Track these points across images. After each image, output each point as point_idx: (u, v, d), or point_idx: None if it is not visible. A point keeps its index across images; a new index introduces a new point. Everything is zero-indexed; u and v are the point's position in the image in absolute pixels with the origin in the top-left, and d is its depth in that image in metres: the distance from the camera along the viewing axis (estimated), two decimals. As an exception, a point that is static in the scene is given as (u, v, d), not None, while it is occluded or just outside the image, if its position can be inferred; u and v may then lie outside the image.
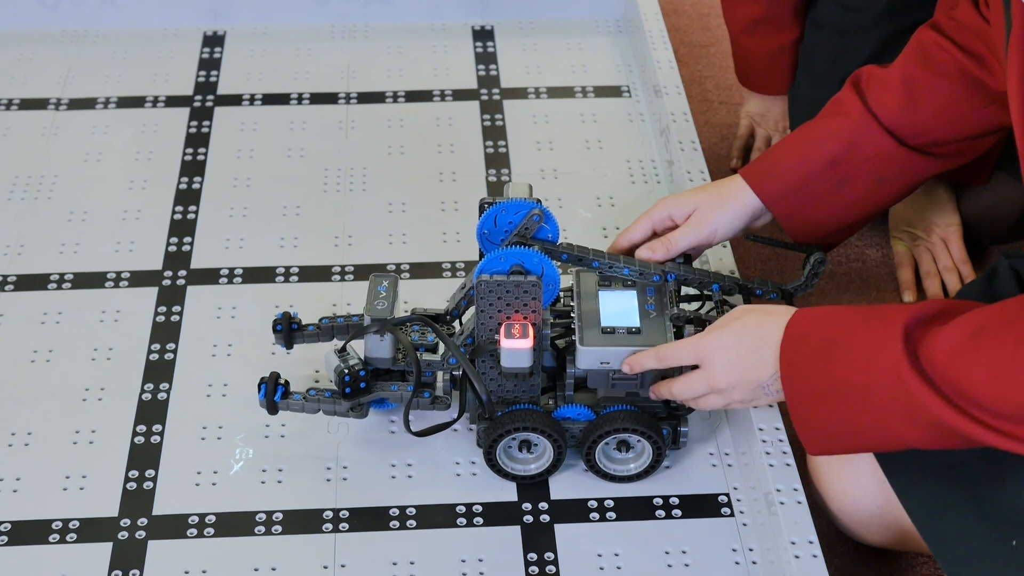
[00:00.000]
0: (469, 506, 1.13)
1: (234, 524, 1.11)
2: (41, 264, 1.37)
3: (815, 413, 1.01)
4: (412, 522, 1.12)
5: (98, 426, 1.20)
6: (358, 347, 1.15)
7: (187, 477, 1.15)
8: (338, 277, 1.36)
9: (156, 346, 1.28)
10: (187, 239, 1.40)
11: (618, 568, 1.09)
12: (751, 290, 1.18)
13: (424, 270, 1.37)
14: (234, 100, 1.61)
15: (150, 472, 1.16)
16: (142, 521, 1.11)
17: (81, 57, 1.67)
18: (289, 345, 1.17)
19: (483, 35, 1.72)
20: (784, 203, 1.21)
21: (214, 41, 1.70)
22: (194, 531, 1.11)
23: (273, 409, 1.13)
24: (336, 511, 1.12)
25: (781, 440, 1.12)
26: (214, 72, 1.65)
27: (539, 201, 1.13)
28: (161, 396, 1.23)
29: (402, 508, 1.13)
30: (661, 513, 1.13)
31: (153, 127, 1.57)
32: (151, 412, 1.21)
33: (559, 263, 1.14)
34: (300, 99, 1.61)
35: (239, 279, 1.35)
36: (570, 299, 1.17)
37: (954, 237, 1.47)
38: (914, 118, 1.19)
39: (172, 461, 1.17)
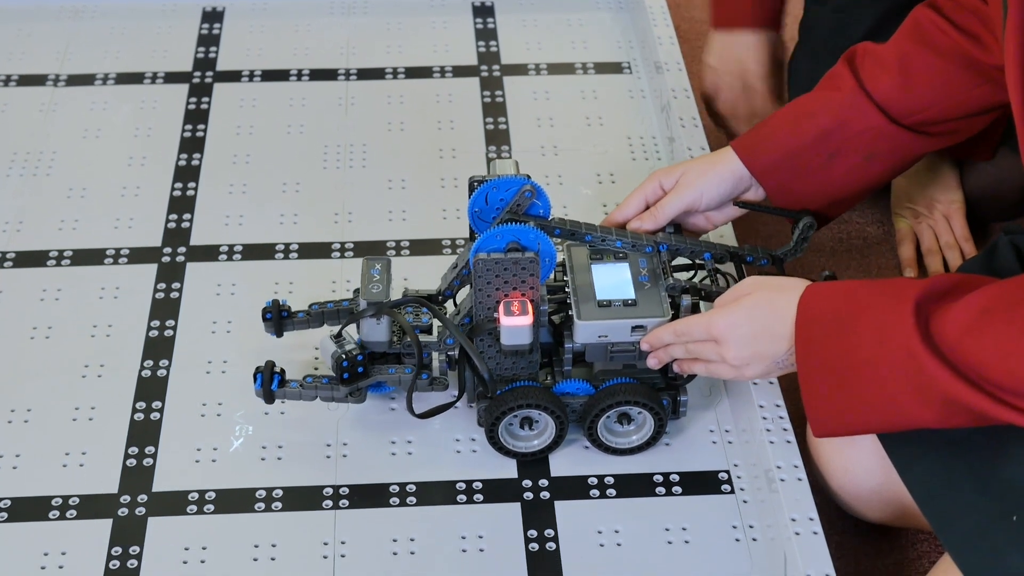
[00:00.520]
0: (469, 483, 1.13)
1: (234, 501, 1.11)
2: (40, 241, 1.36)
3: (826, 391, 1.00)
4: (412, 499, 1.12)
5: (98, 403, 1.19)
6: (354, 332, 1.15)
7: (187, 454, 1.15)
8: (338, 254, 1.35)
9: (156, 323, 1.27)
10: (186, 216, 1.40)
11: (618, 545, 1.09)
12: (742, 257, 1.18)
13: (424, 247, 1.36)
14: (233, 76, 1.60)
15: (150, 449, 1.15)
16: (142, 497, 1.11)
17: (80, 33, 1.67)
18: (279, 333, 1.17)
19: (483, 11, 1.71)
20: (773, 175, 1.21)
21: (213, 17, 1.70)
22: (194, 507, 1.11)
23: (270, 398, 1.13)
24: (336, 488, 1.12)
25: (782, 417, 1.12)
26: (213, 48, 1.65)
27: (528, 177, 1.12)
28: (161, 373, 1.22)
29: (402, 485, 1.13)
30: (661, 490, 1.13)
31: (152, 103, 1.56)
32: (151, 389, 1.21)
33: (552, 238, 1.13)
34: (300, 75, 1.60)
35: (239, 256, 1.35)
36: (561, 274, 1.16)
37: (956, 214, 1.47)
38: (908, 96, 1.18)
39: (172, 438, 1.16)
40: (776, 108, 1.54)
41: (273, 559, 1.07)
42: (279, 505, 1.11)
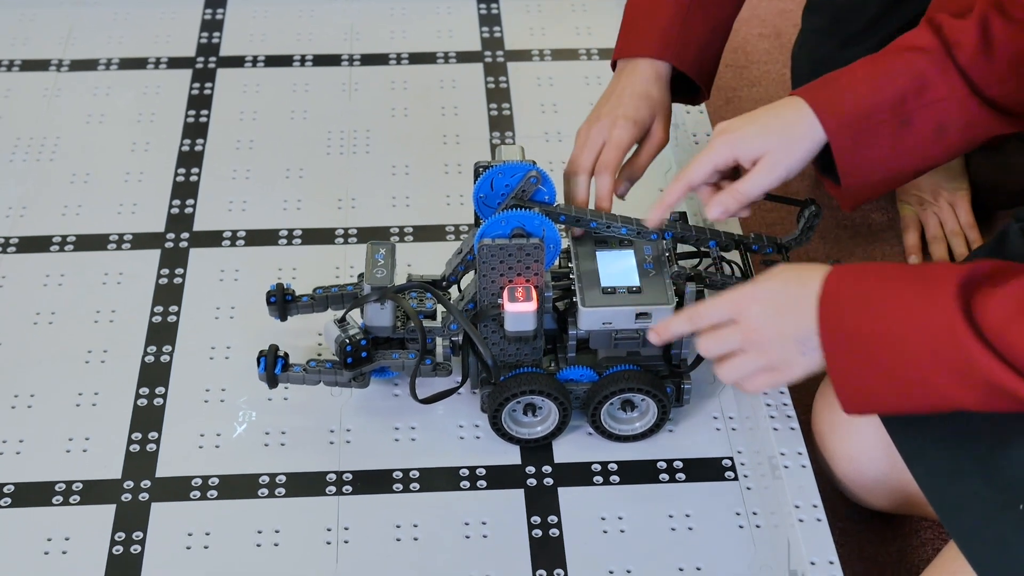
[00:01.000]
0: (472, 469, 1.13)
1: (237, 486, 1.11)
2: (43, 226, 1.36)
3: (856, 368, 0.97)
4: (415, 485, 1.12)
5: (101, 388, 1.19)
6: (357, 316, 1.15)
7: (190, 439, 1.15)
8: (341, 240, 1.35)
9: (159, 308, 1.27)
10: (189, 201, 1.39)
11: (621, 531, 1.09)
12: (748, 245, 1.18)
13: (427, 233, 1.36)
14: (236, 62, 1.60)
15: (153, 434, 1.15)
16: (145, 483, 1.11)
17: (83, 18, 1.66)
18: (283, 317, 1.17)
19: (487, -3, 1.71)
20: (844, 134, 1.10)
21: (216, 2, 1.69)
22: (197, 493, 1.11)
23: (273, 382, 1.13)
24: (339, 474, 1.12)
25: (785, 404, 1.12)
26: (216, 33, 1.64)
27: (534, 163, 1.12)
28: (164, 359, 1.22)
29: (405, 471, 1.13)
30: (665, 477, 1.13)
31: (155, 89, 1.56)
32: (154, 374, 1.21)
33: (557, 225, 1.13)
34: (303, 61, 1.60)
35: (242, 242, 1.35)
36: (566, 261, 1.16)
37: (962, 202, 1.47)
38: (989, 65, 1.10)
39: (175, 424, 1.16)
40: None
41: (276, 545, 1.07)
42: (282, 491, 1.11)
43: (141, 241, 1.35)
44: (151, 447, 1.14)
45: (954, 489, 1.00)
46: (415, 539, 1.08)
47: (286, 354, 1.13)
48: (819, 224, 1.18)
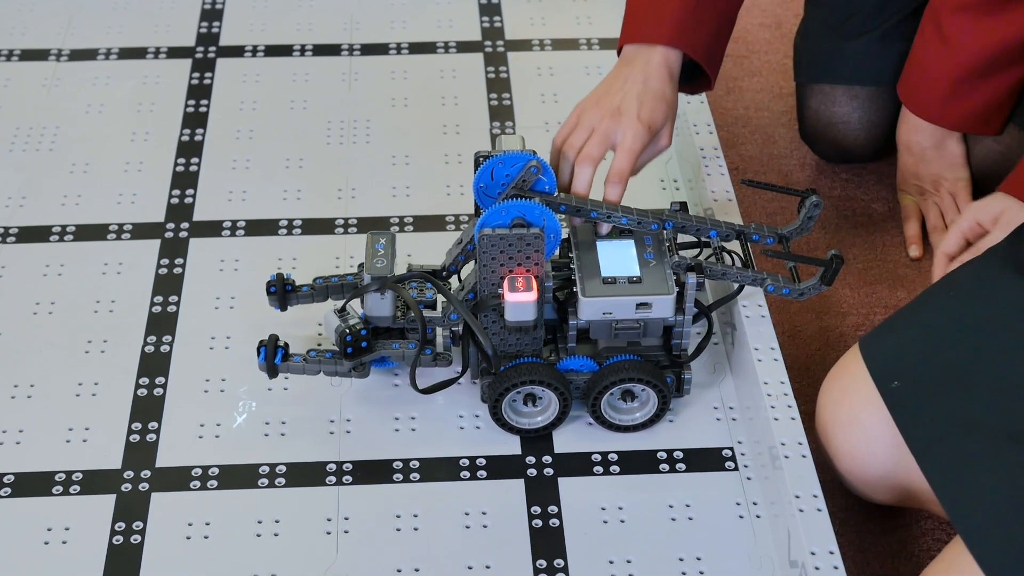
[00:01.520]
0: (473, 459, 1.13)
1: (237, 477, 1.11)
2: (43, 216, 1.36)
3: None
4: (415, 475, 1.12)
5: (101, 378, 1.19)
6: (358, 307, 1.15)
7: (190, 430, 1.15)
8: (341, 230, 1.35)
9: (159, 298, 1.27)
10: (189, 191, 1.39)
11: (621, 522, 1.09)
12: (748, 235, 1.17)
13: (427, 223, 1.36)
14: (236, 51, 1.60)
15: (153, 424, 1.15)
16: (145, 473, 1.11)
17: (82, 7, 1.66)
18: (284, 307, 1.17)
19: (487, -14, 1.71)
20: None
21: (216, -8, 1.69)
22: (197, 483, 1.11)
23: (273, 372, 1.13)
24: (339, 464, 1.12)
25: (786, 394, 1.12)
26: (216, 23, 1.64)
27: (534, 153, 1.12)
28: (164, 348, 1.22)
29: (405, 461, 1.13)
30: (665, 467, 1.13)
31: (155, 78, 1.55)
32: (154, 364, 1.21)
33: (558, 215, 1.13)
34: (303, 51, 1.60)
35: (242, 231, 1.35)
36: (567, 251, 1.16)
37: (963, 192, 1.46)
38: None
39: (175, 414, 1.16)
40: None
41: (276, 535, 1.07)
42: (282, 481, 1.11)
43: (141, 231, 1.35)
44: (151, 437, 1.14)
45: (965, 486, 0.99)
46: (415, 529, 1.08)
47: (286, 344, 1.13)
48: (819, 214, 1.18)
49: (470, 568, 1.05)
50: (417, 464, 1.13)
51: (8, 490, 1.10)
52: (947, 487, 1.00)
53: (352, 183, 1.41)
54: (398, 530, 1.08)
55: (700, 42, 1.22)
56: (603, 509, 1.10)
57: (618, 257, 1.13)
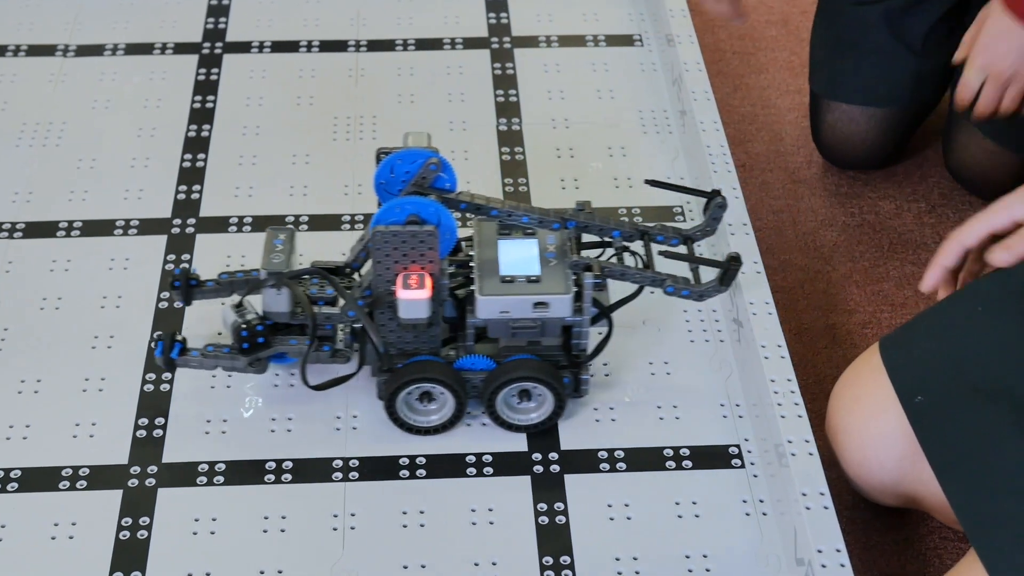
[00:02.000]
0: (479, 456, 1.13)
1: (244, 472, 1.11)
2: (50, 211, 1.36)
3: None
4: (422, 471, 1.12)
5: (107, 374, 1.19)
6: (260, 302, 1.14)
7: (197, 425, 1.15)
8: (348, 226, 1.35)
9: (165, 294, 1.27)
10: (196, 187, 1.39)
11: (628, 519, 1.09)
12: (652, 236, 1.16)
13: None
14: (243, 47, 1.60)
15: (159, 420, 1.15)
16: (152, 468, 1.11)
17: (89, 3, 1.66)
18: (188, 301, 1.16)
19: (494, -17, 1.70)
20: None
21: (223, -13, 1.69)
22: (204, 479, 1.11)
23: (170, 366, 1.12)
24: (346, 460, 1.12)
25: (792, 392, 1.12)
26: (223, 19, 1.64)
27: (437, 151, 1.11)
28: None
29: (412, 457, 1.13)
30: (671, 464, 1.13)
31: (161, 74, 1.55)
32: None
33: (457, 212, 1.12)
34: (309, 47, 1.60)
35: (248, 227, 1.35)
36: (471, 249, 1.15)
37: None
38: None
39: (182, 409, 1.16)
40: None
41: (283, 531, 1.07)
42: (289, 477, 1.11)
43: (148, 227, 1.35)
44: (157, 432, 1.14)
45: (986, 508, 0.98)
46: (421, 525, 1.08)
47: (184, 339, 1.13)
48: (723, 215, 1.16)
49: (476, 565, 1.05)
50: (424, 461, 1.13)
51: (15, 485, 1.10)
52: (968, 507, 0.99)
53: (359, 179, 1.41)
54: (404, 526, 1.08)
55: None
56: (609, 506, 1.10)
57: (519, 256, 1.12)
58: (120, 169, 1.42)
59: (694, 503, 1.10)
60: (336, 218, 1.36)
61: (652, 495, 1.10)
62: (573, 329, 1.12)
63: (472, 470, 1.12)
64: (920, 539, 1.16)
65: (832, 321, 1.36)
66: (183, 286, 1.15)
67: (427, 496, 1.10)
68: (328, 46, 1.60)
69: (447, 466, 1.12)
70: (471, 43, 1.61)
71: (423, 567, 1.05)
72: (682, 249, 1.16)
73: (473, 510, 1.09)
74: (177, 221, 1.35)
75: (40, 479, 1.11)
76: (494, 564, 1.05)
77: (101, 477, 1.11)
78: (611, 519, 1.09)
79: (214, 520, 1.08)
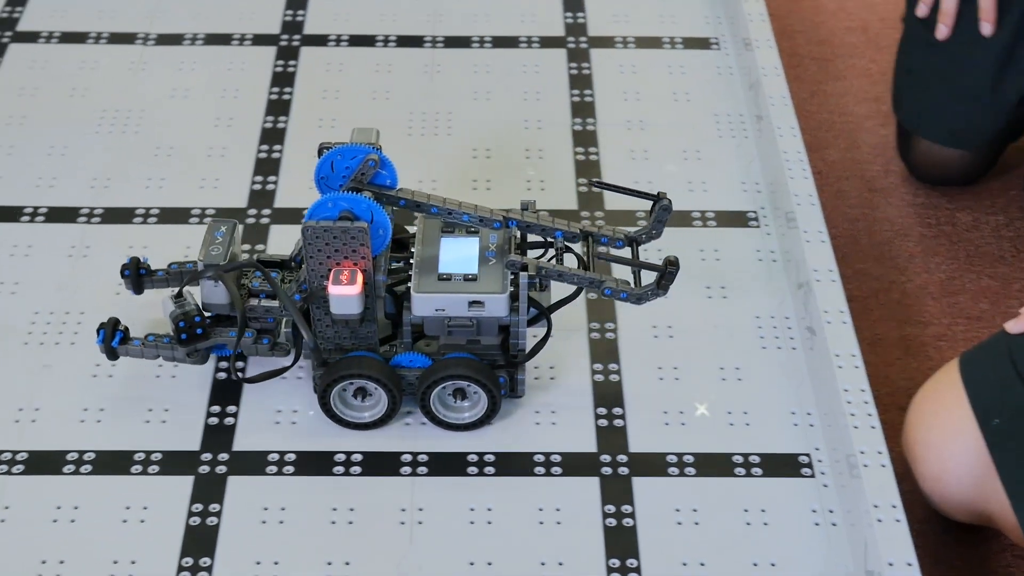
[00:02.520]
0: (547, 455, 1.13)
1: (312, 463, 1.12)
2: (127, 198, 1.37)
3: None
4: (490, 469, 1.12)
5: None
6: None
7: (267, 416, 1.16)
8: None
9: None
10: (272, 178, 1.40)
11: (696, 524, 1.08)
12: (596, 237, 1.15)
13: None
14: (320, 40, 1.60)
15: (231, 408, 1.16)
16: (223, 456, 1.12)
17: (169, -7, 1.68)
18: (139, 290, 1.16)
19: (572, -18, 1.70)
20: None
21: (302, -20, 1.70)
22: (273, 468, 1.11)
23: (112, 355, 1.13)
24: (414, 455, 1.13)
25: (867, 402, 1.11)
26: (301, 12, 1.65)
27: (379, 148, 1.11)
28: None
29: (480, 455, 1.13)
30: (741, 471, 1.12)
31: (240, 65, 1.56)
32: (233, 349, 1.21)
33: (397, 209, 1.12)
34: (386, 41, 1.60)
35: (322, 220, 1.35)
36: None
37: None
38: None
39: (253, 399, 1.17)
40: None
41: (350, 523, 1.08)
42: (357, 470, 1.11)
43: (224, 216, 1.35)
44: (229, 420, 1.15)
45: None
46: (488, 523, 1.08)
47: (126, 328, 1.14)
48: (668, 218, 1.15)
49: (543, 564, 1.05)
50: (492, 458, 1.12)
51: (89, 467, 1.11)
52: None
53: (432, 175, 1.41)
54: (472, 523, 1.08)
55: None
56: (677, 511, 1.09)
57: (459, 254, 1.11)
58: (197, 158, 1.43)
59: (763, 511, 1.09)
60: (409, 212, 1.36)
61: (720, 501, 1.10)
62: (510, 329, 1.12)
63: (540, 469, 1.12)
64: (992, 557, 1.15)
65: (906, 332, 1.35)
66: (133, 275, 1.16)
67: (495, 494, 1.10)
68: (405, 41, 1.60)
69: (515, 465, 1.12)
70: (547, 42, 1.61)
71: (490, 564, 1.05)
72: (626, 251, 1.15)
73: (540, 509, 1.09)
74: (252, 211, 1.36)
75: (113, 462, 1.12)
76: (560, 564, 1.05)
77: (173, 462, 1.12)
78: (679, 523, 1.08)
79: (283, 510, 1.08)
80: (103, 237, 1.33)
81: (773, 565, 1.05)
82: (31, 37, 1.60)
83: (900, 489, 1.04)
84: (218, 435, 1.14)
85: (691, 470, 1.12)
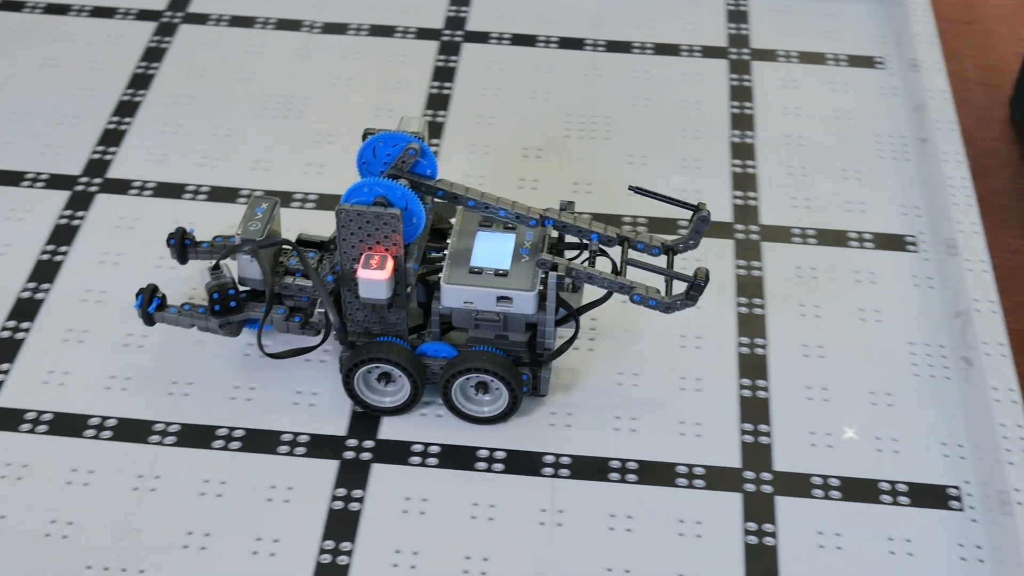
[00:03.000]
0: (690, 467, 1.12)
1: (456, 457, 1.12)
2: (286, 182, 1.40)
3: None
4: (632, 476, 1.11)
5: (334, 347, 1.22)
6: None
7: (415, 407, 1.17)
8: (574, 224, 1.35)
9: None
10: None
11: (838, 548, 1.06)
12: (632, 243, 1.13)
13: (658, 225, 1.35)
14: (482, 37, 1.61)
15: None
16: (368, 443, 1.13)
17: (337, -18, 1.70)
18: (183, 260, 1.18)
19: (736, -7, 1.69)
20: None
21: (467, -23, 1.71)
22: (417, 459, 1.12)
23: (149, 320, 1.15)
24: (557, 456, 1.13)
25: (1022, 439, 1.08)
26: (464, 8, 1.66)
27: (423, 138, 1.11)
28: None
29: (623, 461, 1.12)
30: (887, 498, 1.10)
31: (401, 57, 1.58)
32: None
33: (435, 200, 1.12)
34: (547, 42, 1.61)
35: (476, 216, 1.36)
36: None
37: None
38: None
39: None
40: None
41: (491, 519, 1.08)
42: (500, 467, 1.12)
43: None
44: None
45: None
46: (628, 530, 1.07)
47: (163, 295, 1.15)
48: (706, 229, 1.12)
49: (681, 576, 1.05)
50: (635, 465, 1.12)
51: (238, 444, 1.13)
52: None
53: (588, 179, 1.41)
54: (611, 529, 1.07)
55: None
56: (820, 533, 1.07)
57: (493, 249, 1.11)
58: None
59: (908, 540, 1.07)
60: (563, 215, 1.36)
61: (865, 527, 1.08)
62: (538, 327, 1.11)
63: (683, 480, 1.11)
64: None
65: (1063, 370, 1.31)
66: (177, 245, 1.17)
67: (636, 501, 1.09)
68: (566, 43, 1.60)
69: (658, 473, 1.12)
70: (710, 52, 1.59)
71: (627, 572, 1.04)
72: (662, 260, 1.13)
73: (681, 521, 1.08)
74: (408, 203, 1.37)
75: (261, 441, 1.14)
76: (698, 578, 1.04)
77: (319, 445, 1.13)
78: (821, 547, 1.07)
79: (424, 500, 1.09)
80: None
81: (916, 597, 1.03)
82: (201, 19, 1.63)
83: (1054, 530, 1.02)
84: (363, 421, 1.15)
85: (836, 493, 1.10)
